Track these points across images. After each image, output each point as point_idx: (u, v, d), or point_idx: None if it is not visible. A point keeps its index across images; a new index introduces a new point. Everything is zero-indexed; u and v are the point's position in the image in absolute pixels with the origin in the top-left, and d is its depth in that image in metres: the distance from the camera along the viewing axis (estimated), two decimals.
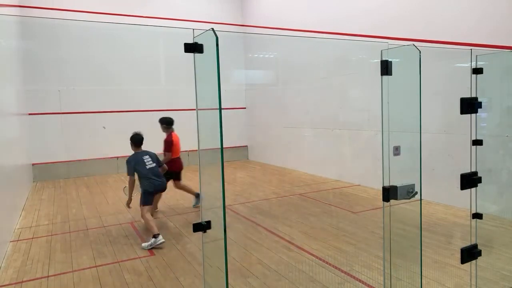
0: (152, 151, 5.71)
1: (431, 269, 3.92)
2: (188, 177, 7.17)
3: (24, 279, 4.10)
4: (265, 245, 4.86)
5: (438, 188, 6.24)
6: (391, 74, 2.50)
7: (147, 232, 5.34)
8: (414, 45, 2.52)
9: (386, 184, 2.55)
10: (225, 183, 2.15)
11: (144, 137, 5.70)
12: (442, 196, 6.33)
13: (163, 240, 4.90)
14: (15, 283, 4.01)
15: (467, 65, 3.00)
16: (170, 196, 7.19)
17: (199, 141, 2.38)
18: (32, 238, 5.50)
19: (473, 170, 2.85)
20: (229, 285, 2.36)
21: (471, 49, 2.95)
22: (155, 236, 4.88)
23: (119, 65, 10.85)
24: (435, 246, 4.59)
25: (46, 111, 10.16)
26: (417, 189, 2.54)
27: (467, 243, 2.89)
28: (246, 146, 13.16)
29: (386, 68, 2.49)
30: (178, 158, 6.56)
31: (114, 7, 10.73)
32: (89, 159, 10.68)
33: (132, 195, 5.57)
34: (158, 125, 6.55)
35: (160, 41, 11.50)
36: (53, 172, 10.25)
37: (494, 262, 3.83)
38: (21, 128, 8.58)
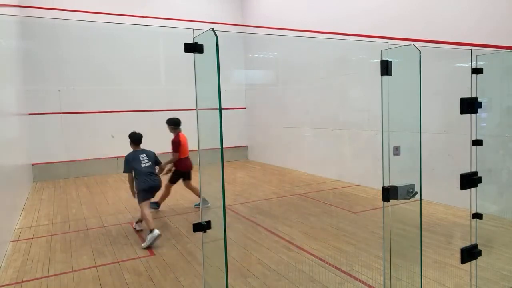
0: (151, 150, 5.75)
1: (431, 269, 3.92)
2: None
3: (24, 279, 4.10)
4: (265, 245, 4.86)
5: (438, 188, 6.24)
6: (391, 74, 2.50)
7: (147, 231, 5.35)
8: (414, 45, 2.52)
9: (386, 184, 2.55)
10: (225, 183, 2.15)
11: (143, 135, 5.75)
12: (442, 196, 6.33)
13: (158, 232, 4.93)
14: (15, 283, 4.01)
15: (467, 65, 3.00)
16: (171, 196, 7.18)
17: (199, 141, 2.38)
18: (32, 238, 5.50)
19: (473, 170, 2.85)
20: (229, 285, 2.36)
21: (471, 49, 2.95)
22: (151, 231, 4.93)
23: (119, 65, 10.85)
24: (435, 246, 4.59)
25: (46, 111, 10.16)
26: (417, 189, 2.54)
27: (467, 243, 2.89)
28: (246, 146, 13.16)
29: (386, 68, 2.49)
30: (187, 158, 6.56)
31: (114, 7, 10.73)
32: (89, 159, 10.68)
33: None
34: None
35: (160, 41, 11.50)
36: (53, 172, 10.25)
37: (494, 262, 3.83)
38: (21, 128, 8.58)
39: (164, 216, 6.39)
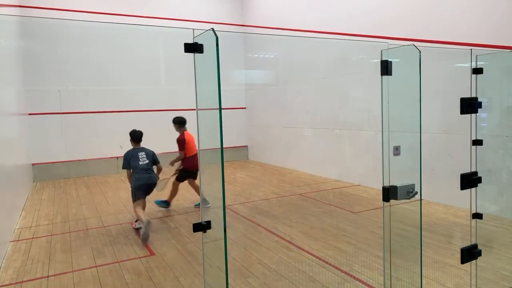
0: (151, 150, 5.91)
1: (431, 269, 3.92)
2: None
3: (24, 279, 4.10)
4: (265, 245, 4.86)
5: (438, 188, 6.24)
6: (391, 74, 2.50)
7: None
8: (414, 45, 2.52)
9: (386, 184, 2.55)
10: (225, 183, 2.15)
11: (143, 134, 5.92)
12: (442, 196, 6.33)
13: (141, 226, 5.23)
14: (15, 283, 4.01)
15: (467, 65, 3.00)
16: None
17: (199, 141, 2.38)
18: (32, 238, 5.50)
19: (473, 170, 2.85)
20: (229, 285, 2.36)
21: (471, 49, 2.95)
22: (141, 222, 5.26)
23: (119, 65, 10.85)
24: (435, 246, 4.59)
25: (46, 111, 10.16)
26: (417, 189, 2.54)
27: (467, 243, 2.89)
28: (246, 146, 13.16)
29: (386, 68, 2.49)
30: (194, 156, 6.58)
31: (114, 7, 10.73)
32: (89, 159, 10.68)
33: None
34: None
35: (160, 41, 11.50)
36: (53, 172, 10.25)
37: (494, 262, 3.83)
38: (21, 128, 8.58)
39: (164, 216, 6.39)
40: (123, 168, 5.76)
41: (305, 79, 10.11)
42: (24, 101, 9.45)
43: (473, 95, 2.78)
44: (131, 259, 4.55)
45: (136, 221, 5.74)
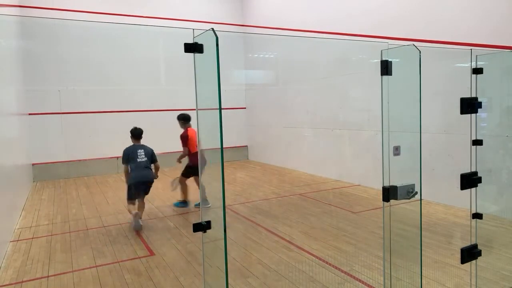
0: (150, 148, 6.02)
1: (431, 269, 3.92)
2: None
3: (24, 279, 4.10)
4: (265, 245, 4.86)
5: (438, 188, 6.24)
6: (391, 74, 2.50)
7: (147, 231, 5.45)
8: (414, 45, 2.52)
9: (386, 184, 2.55)
10: (225, 183, 2.15)
11: (143, 131, 6.08)
12: (442, 196, 6.33)
13: (131, 221, 5.61)
14: (15, 283, 4.01)
15: (467, 65, 3.00)
16: (171, 196, 7.19)
17: (199, 141, 2.38)
18: (32, 238, 5.50)
19: (473, 170, 2.85)
20: (229, 285, 2.36)
21: (471, 49, 2.95)
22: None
23: (119, 65, 10.85)
24: (435, 246, 4.59)
25: (46, 111, 10.16)
26: (417, 189, 2.54)
27: (467, 243, 2.89)
28: (246, 146, 13.16)
29: (386, 68, 2.49)
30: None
31: (114, 7, 10.73)
32: (89, 159, 10.68)
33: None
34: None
35: (160, 41, 11.50)
36: (53, 172, 10.25)
37: (494, 262, 3.83)
38: (21, 128, 8.57)
39: (164, 216, 6.39)
40: (122, 163, 5.92)
41: (305, 79, 10.11)
42: (24, 101, 9.45)
43: (473, 95, 2.78)
44: (131, 259, 4.55)
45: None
